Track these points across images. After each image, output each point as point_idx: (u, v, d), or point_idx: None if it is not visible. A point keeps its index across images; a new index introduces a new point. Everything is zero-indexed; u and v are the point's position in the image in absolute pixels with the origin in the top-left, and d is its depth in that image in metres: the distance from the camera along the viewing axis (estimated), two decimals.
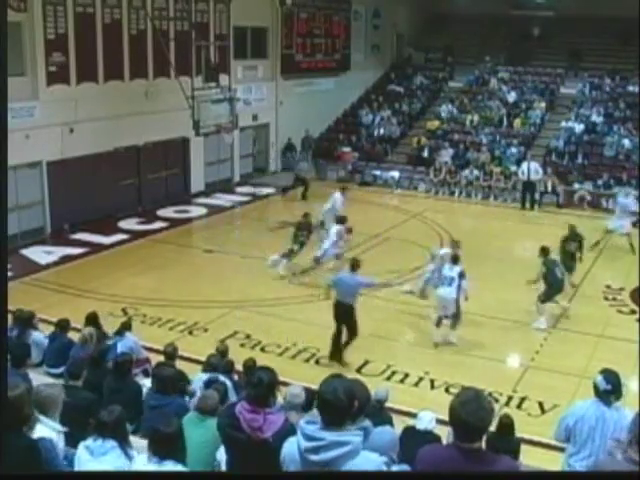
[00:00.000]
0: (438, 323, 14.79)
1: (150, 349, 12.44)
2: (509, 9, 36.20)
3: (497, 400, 12.26)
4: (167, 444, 5.73)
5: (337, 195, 21.65)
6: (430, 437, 8.25)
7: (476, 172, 28.54)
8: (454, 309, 14.54)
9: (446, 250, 16.26)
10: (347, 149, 31.18)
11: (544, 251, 16.07)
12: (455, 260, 14.89)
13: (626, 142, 29.34)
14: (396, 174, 29.44)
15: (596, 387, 7.10)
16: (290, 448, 4.46)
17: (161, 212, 24.31)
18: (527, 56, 35.62)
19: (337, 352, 13.87)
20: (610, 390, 6.99)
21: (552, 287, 15.76)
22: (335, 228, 18.97)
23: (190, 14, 24.51)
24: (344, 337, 13.91)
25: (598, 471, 5.03)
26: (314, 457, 4.19)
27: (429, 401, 11.74)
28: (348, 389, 4.30)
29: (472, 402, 4.24)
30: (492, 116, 32.39)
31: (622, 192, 23.54)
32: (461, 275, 14.55)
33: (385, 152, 31.46)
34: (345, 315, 13.81)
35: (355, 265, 14.05)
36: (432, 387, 13.09)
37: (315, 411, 4.41)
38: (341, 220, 19.32)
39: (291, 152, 31.96)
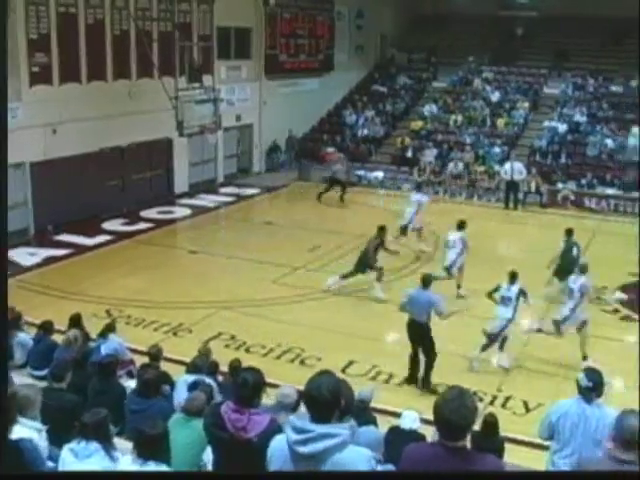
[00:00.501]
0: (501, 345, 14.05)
1: (134, 351, 12.40)
2: (493, 9, 36.27)
3: (482, 399, 12.30)
4: (152, 446, 5.73)
5: (417, 196, 21.27)
6: (415, 436, 8.26)
7: (461, 165, 28.74)
8: (498, 332, 13.74)
9: (582, 281, 14.23)
10: (331, 149, 31.20)
11: (568, 232, 17.61)
12: (513, 278, 13.99)
13: (609, 142, 29.49)
14: (380, 174, 29.48)
15: (578, 384, 7.15)
16: (278, 443, 4.47)
17: (145, 213, 24.24)
18: (511, 56, 35.71)
19: (414, 375, 13.23)
20: (591, 387, 7.03)
21: (564, 263, 16.94)
22: (457, 235, 17.67)
23: (173, 14, 24.47)
24: (421, 359, 13.21)
25: (598, 471, 5.07)
26: (302, 449, 4.20)
27: (414, 401, 11.76)
28: (333, 386, 4.32)
29: (455, 400, 4.27)
30: (476, 116, 32.48)
31: None
32: (520, 294, 13.82)
33: (369, 152, 31.51)
34: (420, 335, 13.09)
35: (427, 281, 13.28)
36: (418, 387, 13.11)
37: (304, 409, 4.42)
38: (462, 225, 17.82)
39: (276, 153, 31.97)
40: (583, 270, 14.41)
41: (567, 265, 17.10)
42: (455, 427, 4.23)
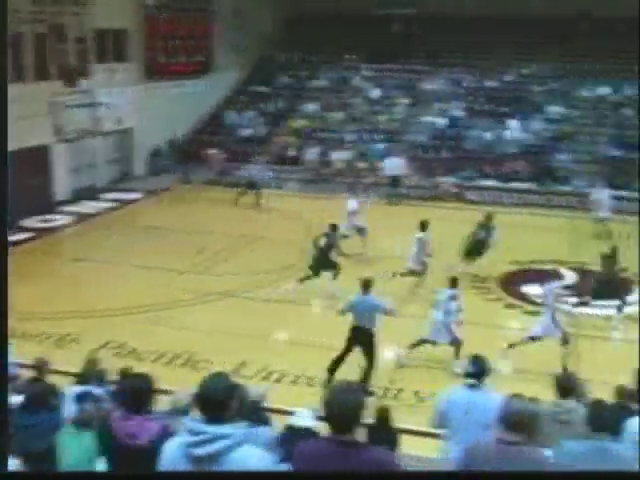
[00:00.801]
0: (414, 345, 13.99)
1: (19, 365, 12.04)
2: (372, 8, 36.57)
3: (373, 393, 12.46)
4: (42, 462, 5.60)
5: (351, 202, 21.10)
6: (309, 434, 8.28)
7: (345, 155, 29.23)
8: (449, 336, 13.72)
9: (552, 285, 14.22)
10: (214, 151, 30.98)
11: (488, 216, 19.19)
12: (453, 283, 14.15)
13: (487, 135, 30.30)
14: (264, 174, 29.39)
15: (464, 371, 7.33)
16: (171, 447, 4.44)
17: (25, 222, 23.49)
18: (390, 53, 36.16)
19: (333, 376, 13.00)
20: (475, 373, 7.22)
21: (468, 244, 18.59)
22: (417, 236, 17.87)
23: (47, 16, 23.83)
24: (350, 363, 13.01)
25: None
26: (198, 451, 4.20)
27: (308, 398, 11.80)
28: (225, 387, 4.37)
29: (341, 394, 4.36)
30: (356, 113, 32.86)
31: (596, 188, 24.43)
32: (451, 298, 13.84)
33: (252, 153, 31.39)
34: (364, 341, 12.90)
35: (367, 285, 13.07)
36: (310, 385, 13.17)
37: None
38: (423, 226, 17.98)
39: (158, 156, 31.56)
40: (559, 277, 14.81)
41: (471, 246, 18.53)
42: (343, 420, 4.30)
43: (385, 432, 8.94)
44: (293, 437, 7.86)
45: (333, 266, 17.53)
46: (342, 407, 4.29)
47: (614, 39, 31.79)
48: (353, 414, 4.30)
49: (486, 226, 19.04)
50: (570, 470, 4.93)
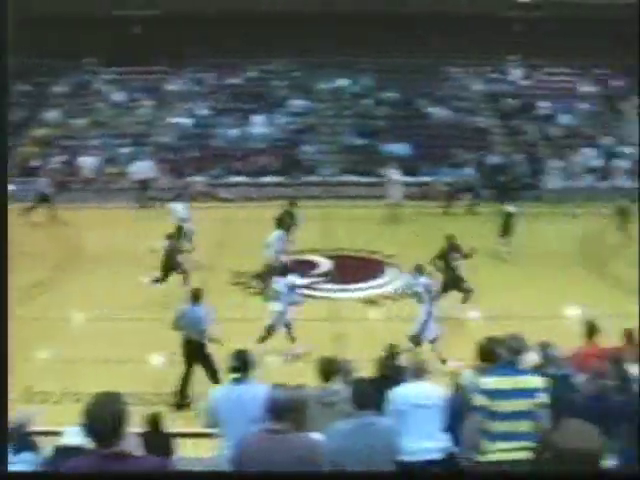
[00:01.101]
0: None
1: None
2: (109, 9, 35.69)
3: (142, 400, 12.33)
4: None
5: (175, 205, 20.98)
6: (80, 451, 8.11)
7: (92, 161, 29.08)
8: (273, 325, 13.99)
9: (424, 281, 14.25)
10: None
11: (291, 204, 20.33)
12: (284, 271, 14.47)
13: (234, 132, 30.68)
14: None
15: (228, 367, 7.45)
16: None
17: None
18: (131, 56, 35.53)
19: (185, 396, 12.65)
20: (238, 367, 7.32)
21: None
22: (275, 233, 17.94)
23: None
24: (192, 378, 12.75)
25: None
26: None
27: (76, 415, 11.49)
28: None
29: (99, 406, 4.32)
30: (101, 118, 32.17)
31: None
32: (291, 288, 14.06)
33: None
34: (197, 353, 12.54)
35: (197, 296, 12.74)
36: (77, 401, 12.78)
37: None
38: (280, 223, 18.36)
39: None
40: (420, 270, 14.47)
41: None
42: (102, 432, 4.27)
43: (159, 438, 8.92)
44: (64, 456, 7.68)
45: (179, 269, 17.37)
46: (100, 419, 4.25)
47: (358, 34, 33.26)
48: (113, 425, 4.26)
49: (290, 213, 19.75)
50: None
